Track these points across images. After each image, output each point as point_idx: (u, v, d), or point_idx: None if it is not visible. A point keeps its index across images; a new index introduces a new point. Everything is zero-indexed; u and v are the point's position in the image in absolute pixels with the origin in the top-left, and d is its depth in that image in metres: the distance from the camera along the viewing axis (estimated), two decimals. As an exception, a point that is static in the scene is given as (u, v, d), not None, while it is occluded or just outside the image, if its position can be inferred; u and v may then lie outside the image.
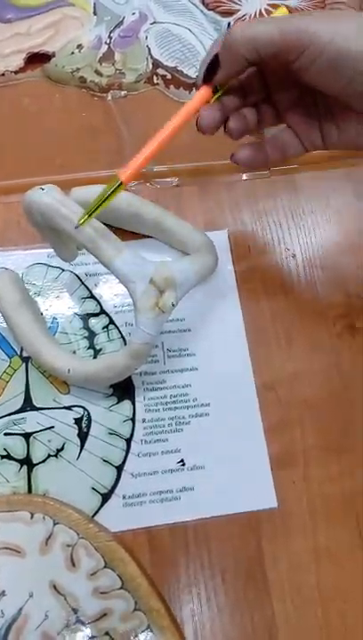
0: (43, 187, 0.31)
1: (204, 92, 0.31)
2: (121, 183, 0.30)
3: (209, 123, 0.32)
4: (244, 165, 0.34)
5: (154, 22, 0.49)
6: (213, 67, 0.30)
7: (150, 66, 0.47)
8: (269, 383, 0.36)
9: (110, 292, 0.39)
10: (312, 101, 0.32)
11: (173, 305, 0.32)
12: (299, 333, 0.38)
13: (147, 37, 0.48)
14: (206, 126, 0.32)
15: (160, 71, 0.47)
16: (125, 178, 0.30)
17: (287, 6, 0.50)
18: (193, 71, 0.46)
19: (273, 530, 0.33)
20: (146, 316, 0.32)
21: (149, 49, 0.48)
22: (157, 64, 0.47)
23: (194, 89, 0.32)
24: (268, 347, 0.38)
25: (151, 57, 0.47)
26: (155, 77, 0.47)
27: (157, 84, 0.47)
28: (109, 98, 0.46)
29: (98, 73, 0.47)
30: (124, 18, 0.50)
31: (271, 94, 0.33)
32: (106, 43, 0.48)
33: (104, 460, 0.34)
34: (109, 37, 0.49)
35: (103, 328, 0.38)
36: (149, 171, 0.43)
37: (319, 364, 0.37)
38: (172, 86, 0.47)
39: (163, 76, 0.47)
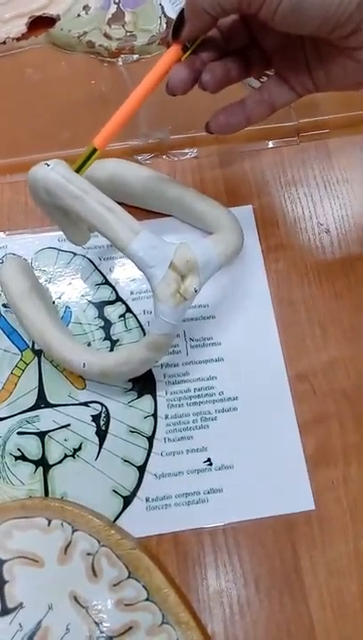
0: (48, 162, 0.29)
1: (173, 50, 0.29)
2: (95, 149, 0.29)
3: (176, 83, 0.30)
4: (222, 132, 0.32)
5: (167, -23, 0.45)
6: (180, 23, 0.28)
7: (164, 26, 0.44)
8: (302, 373, 0.34)
9: (127, 277, 0.36)
10: (299, 42, 0.30)
11: (195, 291, 0.30)
12: (335, 319, 0.35)
13: (159, -6, 0.45)
14: (173, 87, 0.30)
15: (175, 31, 0.43)
16: (98, 143, 0.29)
17: None
18: (211, 29, 0.42)
19: (310, 534, 0.30)
20: (166, 304, 0.29)
21: (163, 7, 0.44)
22: (171, 24, 0.43)
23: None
24: (301, 334, 0.35)
25: (165, 15, 0.44)
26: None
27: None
28: (120, 63, 0.44)
29: (107, 36, 0.44)
30: (134, -27, 0.46)
31: (257, 40, 0.31)
32: (115, 2, 0.45)
33: (125, 460, 0.32)
34: (118, -4, 0.45)
35: (120, 317, 0.35)
36: (164, 141, 0.39)
37: (358, 352, 0.34)
38: (188, 47, 0.43)
39: (178, 37, 0.43)
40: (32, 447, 0.32)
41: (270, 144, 0.40)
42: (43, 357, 0.34)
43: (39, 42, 0.45)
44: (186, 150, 0.40)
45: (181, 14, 0.28)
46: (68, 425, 0.33)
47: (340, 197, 0.38)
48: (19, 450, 0.32)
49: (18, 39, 0.44)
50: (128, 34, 0.44)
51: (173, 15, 0.43)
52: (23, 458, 0.32)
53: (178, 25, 0.28)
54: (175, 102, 0.41)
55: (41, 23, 0.44)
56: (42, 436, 0.32)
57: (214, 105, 0.41)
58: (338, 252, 0.37)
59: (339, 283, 0.36)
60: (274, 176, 0.39)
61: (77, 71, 0.43)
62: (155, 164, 0.39)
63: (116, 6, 0.45)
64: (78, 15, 0.44)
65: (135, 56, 0.43)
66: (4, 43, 0.44)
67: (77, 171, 0.29)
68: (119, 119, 0.29)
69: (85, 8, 0.45)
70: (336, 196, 0.38)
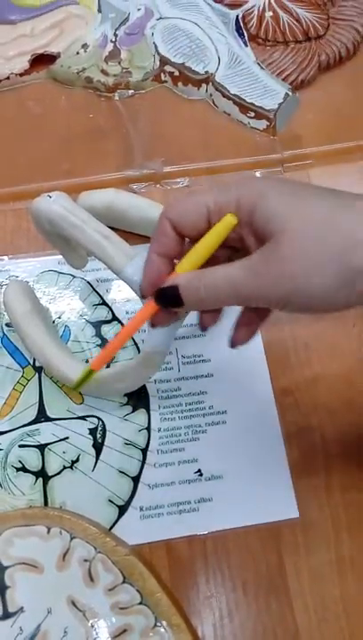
0: (50, 194, 0.31)
1: (150, 308, 0.28)
2: (92, 371, 0.30)
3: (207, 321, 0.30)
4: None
5: (160, 18, 0.48)
6: (169, 295, 0.26)
7: (158, 63, 0.46)
8: (287, 388, 0.36)
9: (122, 298, 0.38)
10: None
11: (186, 312, 0.32)
12: (317, 336, 0.37)
13: (153, 34, 0.47)
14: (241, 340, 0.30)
15: (168, 68, 0.46)
16: (94, 365, 0.30)
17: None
18: (201, 67, 0.45)
19: (295, 541, 0.32)
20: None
21: (156, 45, 0.47)
22: (164, 61, 0.46)
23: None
24: (285, 351, 0.37)
25: (158, 54, 0.46)
26: (162, 75, 0.46)
27: (165, 81, 0.46)
28: (117, 97, 0.46)
29: (104, 72, 0.46)
30: (129, 14, 0.49)
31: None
32: (112, 41, 0.47)
33: (120, 471, 0.33)
34: (115, 35, 0.48)
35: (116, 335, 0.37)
36: (158, 172, 0.42)
37: (339, 368, 0.36)
38: (180, 83, 0.46)
39: (170, 73, 0.46)
40: (32, 459, 0.34)
41: (258, 174, 0.42)
42: (43, 374, 0.36)
43: (40, 77, 0.47)
44: (178, 180, 0.42)
45: (170, 291, 0.26)
46: (67, 438, 0.34)
47: (321, 224, 0.41)
48: (20, 462, 0.34)
49: (21, 75, 0.46)
50: (124, 70, 0.46)
51: (171, 57, 0.45)
52: (24, 469, 0.34)
53: (164, 296, 0.26)
54: (168, 136, 0.44)
55: (42, 60, 0.47)
56: (42, 448, 0.34)
57: (204, 139, 0.44)
58: (320, 275, 0.39)
59: (321, 303, 0.38)
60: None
61: (76, 105, 0.46)
62: (149, 193, 0.41)
63: (112, 44, 0.47)
64: (77, 53, 0.47)
65: (131, 91, 0.46)
66: (8, 78, 0.46)
67: (76, 387, 0.32)
68: (110, 350, 0.29)
69: (84, 46, 0.47)
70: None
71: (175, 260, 0.27)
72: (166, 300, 0.27)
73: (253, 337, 0.30)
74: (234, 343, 0.30)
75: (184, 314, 0.31)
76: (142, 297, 0.29)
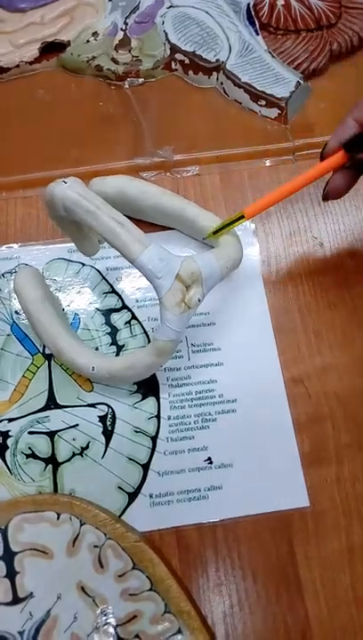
0: (65, 180, 0.30)
1: (339, 157, 0.32)
2: (243, 216, 0.33)
3: (333, 190, 0.34)
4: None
5: (171, 6, 0.48)
6: (358, 142, 0.31)
7: (168, 51, 0.46)
8: (297, 377, 0.35)
9: (132, 286, 0.38)
10: None
11: (199, 300, 0.31)
12: (328, 325, 0.37)
13: (163, 22, 0.47)
14: (332, 193, 0.34)
15: (178, 56, 0.45)
16: (247, 211, 0.33)
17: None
18: (212, 55, 0.45)
19: (305, 530, 0.32)
20: (172, 312, 0.31)
21: (166, 34, 0.46)
22: (174, 49, 0.45)
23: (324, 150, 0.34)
24: (296, 339, 0.36)
25: (169, 42, 0.46)
26: (173, 63, 0.46)
27: (176, 69, 0.46)
28: (126, 86, 0.45)
29: (114, 61, 0.46)
30: (139, 3, 0.48)
31: None
32: (122, 29, 0.47)
33: (130, 459, 0.33)
34: (125, 24, 0.47)
35: (125, 323, 0.37)
36: (168, 160, 0.42)
37: (350, 357, 0.36)
38: (190, 71, 0.45)
39: (181, 62, 0.45)
40: (42, 446, 0.34)
41: (268, 162, 0.42)
42: (53, 361, 0.36)
43: (50, 65, 0.47)
44: (188, 168, 0.42)
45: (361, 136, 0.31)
46: (77, 425, 0.34)
47: (332, 213, 0.40)
48: (30, 448, 0.34)
49: (31, 63, 0.46)
50: (134, 58, 0.46)
51: (182, 45, 0.45)
52: (34, 456, 0.34)
53: (355, 142, 0.31)
54: (178, 124, 0.44)
55: (52, 48, 0.46)
56: (51, 435, 0.34)
57: (214, 128, 0.44)
58: (331, 264, 0.39)
59: (332, 293, 0.38)
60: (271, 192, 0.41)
61: (86, 93, 0.45)
62: (159, 181, 0.41)
63: (123, 33, 0.47)
64: (87, 41, 0.47)
65: (141, 79, 0.45)
66: (18, 66, 0.46)
67: (217, 231, 0.35)
68: (271, 198, 0.33)
69: (94, 34, 0.47)
70: (329, 211, 0.40)
71: None
72: (355, 146, 0.31)
73: (346, 193, 0.34)
74: (329, 195, 0.34)
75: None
76: (322, 158, 0.33)
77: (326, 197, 0.34)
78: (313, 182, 0.33)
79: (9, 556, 0.30)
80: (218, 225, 0.35)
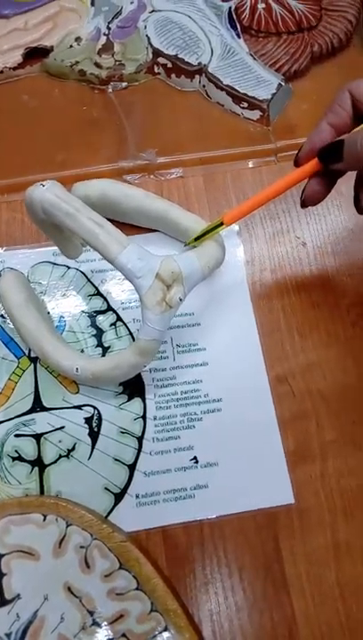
0: (43, 183, 0.31)
1: (313, 165, 0.32)
2: (222, 223, 0.33)
3: (310, 196, 0.33)
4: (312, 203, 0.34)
5: (153, 11, 0.48)
6: (332, 151, 0.30)
7: (150, 55, 0.46)
8: (282, 376, 0.36)
9: (117, 288, 0.38)
10: None
11: (180, 300, 0.32)
12: (311, 323, 0.37)
13: (146, 27, 0.47)
14: (308, 200, 0.34)
15: (161, 60, 0.46)
16: (226, 218, 0.33)
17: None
18: (194, 58, 0.45)
19: (290, 526, 0.32)
20: (153, 311, 0.31)
21: (149, 38, 0.47)
22: (157, 53, 0.46)
23: (298, 154, 0.33)
24: (280, 338, 0.37)
25: (151, 46, 0.46)
26: (155, 67, 0.46)
27: (158, 73, 0.46)
28: (110, 90, 0.46)
29: (97, 65, 0.46)
30: (122, 7, 0.49)
31: None
32: (105, 34, 0.47)
33: (116, 460, 0.34)
34: (108, 28, 0.48)
35: (111, 325, 0.37)
36: (152, 163, 0.42)
37: (334, 355, 0.36)
38: (173, 75, 0.46)
39: (163, 65, 0.46)
40: (28, 448, 0.34)
41: (251, 164, 0.43)
42: (38, 364, 0.36)
43: (34, 71, 0.47)
44: (172, 170, 0.42)
45: (335, 145, 0.30)
46: (63, 427, 0.34)
47: (315, 213, 0.41)
48: (16, 451, 0.34)
49: (14, 68, 0.46)
50: (117, 63, 0.46)
51: (164, 49, 0.46)
52: (20, 459, 0.34)
53: (328, 151, 0.30)
54: (161, 127, 0.44)
55: (36, 54, 0.47)
56: (38, 437, 0.34)
57: (197, 130, 0.44)
58: (314, 264, 0.39)
59: (315, 292, 0.38)
60: (254, 193, 0.41)
61: (70, 98, 0.46)
62: (143, 184, 0.41)
63: (105, 37, 0.47)
64: (71, 46, 0.47)
65: (124, 83, 0.46)
66: (2, 72, 0.46)
67: (198, 238, 0.35)
68: (249, 205, 0.33)
69: (77, 39, 0.47)
70: (312, 212, 0.41)
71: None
72: (328, 155, 0.30)
73: (324, 198, 0.33)
74: (306, 202, 0.34)
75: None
76: (296, 164, 0.33)
77: (303, 204, 0.34)
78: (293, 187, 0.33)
79: (-4, 559, 0.30)
80: (198, 233, 0.35)
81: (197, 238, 0.35)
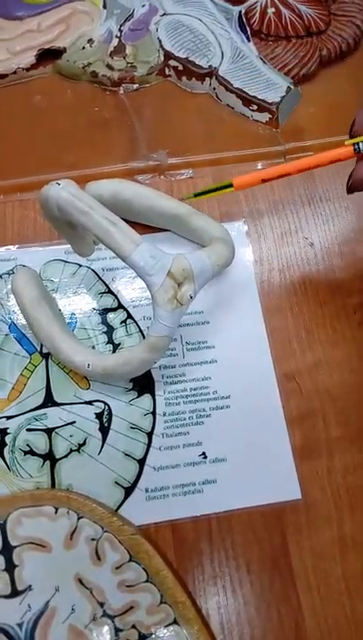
0: (59, 181, 0.31)
1: (346, 151, 0.32)
2: (231, 185, 0.33)
3: (358, 181, 0.32)
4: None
5: (164, 14, 0.49)
6: None
7: (162, 58, 0.47)
8: (289, 373, 0.36)
9: (127, 286, 0.39)
10: None
11: (191, 297, 0.32)
12: (319, 323, 0.38)
13: (157, 29, 0.48)
14: (356, 185, 0.32)
15: (172, 62, 0.47)
16: (237, 183, 0.33)
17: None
18: (205, 61, 0.46)
19: (297, 521, 0.33)
20: (164, 308, 0.31)
21: (160, 41, 0.47)
22: (168, 55, 0.47)
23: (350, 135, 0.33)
24: (288, 337, 0.37)
25: (162, 49, 0.47)
26: (166, 69, 0.47)
27: (169, 75, 0.47)
28: (122, 91, 0.46)
29: (109, 67, 0.47)
30: (134, 10, 0.49)
31: None
32: (117, 36, 0.48)
33: (126, 454, 0.34)
34: (120, 31, 0.48)
35: (121, 322, 0.38)
36: (162, 163, 0.43)
37: (340, 353, 0.37)
38: (184, 77, 0.47)
39: (174, 68, 0.47)
40: (40, 443, 0.34)
41: (260, 165, 0.43)
42: (50, 360, 0.37)
43: (47, 72, 0.48)
44: (182, 171, 0.43)
45: None
46: (74, 422, 0.35)
47: (322, 214, 0.41)
48: (28, 445, 0.34)
49: (27, 69, 0.47)
50: (129, 65, 0.47)
51: (175, 51, 0.46)
52: (32, 452, 0.34)
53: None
54: (172, 129, 0.45)
55: (49, 55, 0.47)
56: (49, 432, 0.35)
57: (207, 132, 0.45)
58: (321, 263, 0.40)
59: (322, 291, 0.39)
60: (263, 194, 0.42)
61: (82, 99, 0.46)
62: (154, 184, 0.42)
63: (117, 40, 0.48)
64: (83, 48, 0.48)
65: (135, 85, 0.46)
66: (15, 72, 0.47)
67: (200, 194, 0.34)
68: (263, 174, 0.33)
69: (90, 41, 0.48)
70: (319, 212, 0.41)
71: None
72: None
73: None
74: (354, 186, 0.32)
75: None
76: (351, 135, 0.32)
77: (350, 189, 0.32)
78: (308, 171, 0.33)
79: (8, 550, 0.31)
80: (203, 188, 0.35)
81: (199, 194, 0.35)
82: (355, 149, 0.31)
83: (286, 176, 0.33)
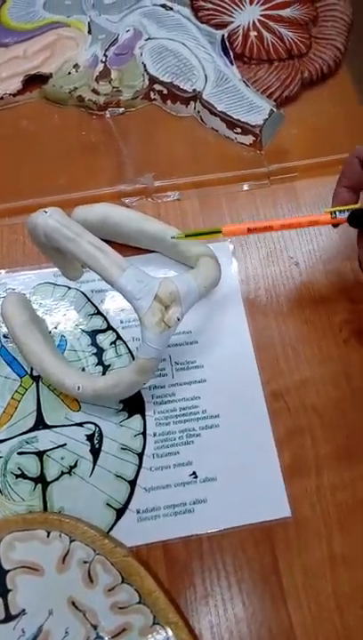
0: (46, 210, 0.32)
1: (325, 217, 0.35)
2: (220, 231, 0.36)
3: None
4: None
5: (148, 38, 0.50)
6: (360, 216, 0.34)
7: (147, 82, 0.48)
8: (277, 392, 0.37)
9: (117, 307, 0.40)
10: None
11: (178, 319, 0.33)
12: (305, 341, 0.38)
13: (142, 54, 0.49)
14: None
15: (157, 87, 0.47)
16: (225, 230, 0.36)
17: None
18: (189, 85, 0.47)
19: (287, 539, 0.33)
20: (152, 331, 0.32)
21: (145, 65, 0.48)
22: (153, 80, 0.48)
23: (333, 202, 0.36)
24: (275, 355, 0.38)
25: (147, 73, 0.48)
26: (151, 93, 0.48)
27: (155, 99, 0.48)
28: (108, 115, 0.47)
29: (95, 91, 0.48)
30: (118, 35, 0.50)
31: None
32: (102, 61, 0.49)
33: (117, 476, 0.34)
34: (105, 56, 0.49)
35: (111, 344, 0.38)
36: (149, 186, 0.43)
37: (327, 371, 0.37)
38: (169, 101, 0.48)
39: (159, 92, 0.48)
40: (31, 466, 0.35)
41: (245, 187, 0.44)
42: (40, 383, 0.37)
43: (34, 97, 0.48)
44: (168, 193, 0.43)
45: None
46: (65, 444, 0.35)
47: (307, 234, 0.42)
48: (19, 468, 0.35)
49: (14, 95, 0.48)
50: (114, 89, 0.48)
51: (160, 76, 0.47)
52: (23, 476, 0.35)
53: (357, 218, 0.34)
54: (158, 152, 0.46)
55: (35, 80, 0.48)
56: (40, 455, 0.35)
57: (192, 154, 0.46)
58: (307, 282, 0.40)
59: (308, 310, 0.39)
60: (248, 215, 0.43)
61: (69, 123, 0.47)
62: (141, 206, 0.43)
63: (103, 65, 0.49)
64: (69, 73, 0.48)
65: (121, 109, 0.47)
66: (2, 98, 0.47)
67: (190, 236, 0.37)
68: (250, 226, 0.36)
69: (75, 66, 0.49)
70: (304, 232, 0.42)
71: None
72: (357, 221, 0.34)
73: None
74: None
75: None
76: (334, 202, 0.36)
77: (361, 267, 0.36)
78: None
79: (1, 574, 0.31)
80: (193, 230, 0.37)
81: (188, 235, 0.37)
82: (332, 216, 0.35)
83: (269, 230, 0.36)
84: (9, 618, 0.30)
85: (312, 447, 0.35)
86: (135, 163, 0.44)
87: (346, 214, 0.34)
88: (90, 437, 0.35)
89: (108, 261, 0.32)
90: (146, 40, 0.50)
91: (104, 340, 0.39)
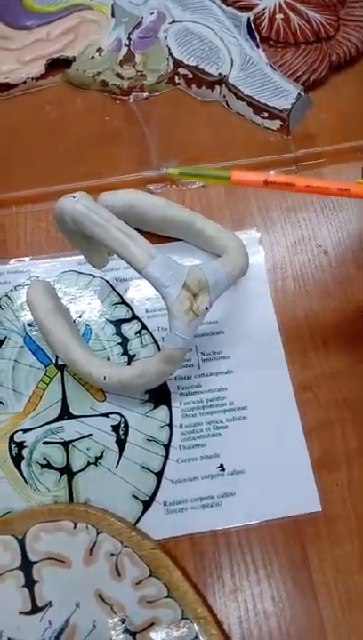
0: (74, 194, 0.31)
1: (358, 189, 0.30)
2: (229, 177, 0.29)
3: None
4: None
5: (173, 21, 0.49)
6: None
7: (171, 66, 0.47)
8: (306, 383, 0.36)
9: (141, 296, 0.39)
10: None
11: (206, 308, 0.32)
12: (334, 332, 0.37)
13: (166, 37, 0.48)
14: None
15: (181, 70, 0.46)
16: (235, 176, 0.29)
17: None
18: (215, 69, 0.46)
19: (318, 534, 0.32)
20: (180, 320, 0.31)
21: (170, 48, 0.47)
22: (177, 63, 0.46)
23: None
24: (303, 346, 0.37)
25: (172, 57, 0.47)
26: (176, 77, 0.47)
27: (179, 83, 0.47)
28: (131, 100, 0.46)
29: (119, 76, 0.47)
30: (142, 18, 0.49)
31: None
32: (126, 45, 0.48)
33: (143, 467, 0.34)
34: (129, 39, 0.48)
35: (136, 333, 0.38)
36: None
37: (356, 362, 0.36)
38: (194, 85, 0.46)
39: (184, 76, 0.46)
40: (57, 456, 0.34)
41: (272, 173, 0.43)
42: (66, 372, 0.36)
43: (56, 81, 0.47)
44: (194, 180, 0.42)
45: None
46: (90, 435, 0.35)
47: (336, 221, 0.41)
48: (45, 459, 0.34)
49: (37, 79, 0.47)
50: (138, 73, 0.47)
51: (184, 59, 0.46)
52: (49, 466, 0.34)
53: None
54: (183, 137, 0.45)
55: (58, 64, 0.47)
56: (66, 445, 0.35)
57: (218, 140, 0.44)
58: (336, 271, 0.39)
59: (337, 298, 0.38)
60: (276, 202, 0.42)
61: (92, 108, 0.46)
62: (166, 193, 0.42)
63: (126, 48, 0.48)
64: (92, 57, 0.48)
65: (145, 94, 0.46)
66: (25, 82, 0.47)
67: (182, 173, 0.30)
68: (270, 178, 0.30)
69: (99, 50, 0.48)
70: (333, 219, 0.41)
71: None
72: None
73: None
74: None
75: None
76: None
77: None
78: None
79: (27, 566, 0.31)
80: (192, 169, 0.31)
81: (185, 174, 0.30)
82: None
83: (290, 189, 0.30)
84: (35, 610, 0.30)
85: (342, 440, 0.34)
86: (159, 148, 0.43)
87: None
88: (115, 428, 0.35)
89: (138, 248, 0.31)
90: (170, 23, 0.49)
91: (129, 329, 0.38)
